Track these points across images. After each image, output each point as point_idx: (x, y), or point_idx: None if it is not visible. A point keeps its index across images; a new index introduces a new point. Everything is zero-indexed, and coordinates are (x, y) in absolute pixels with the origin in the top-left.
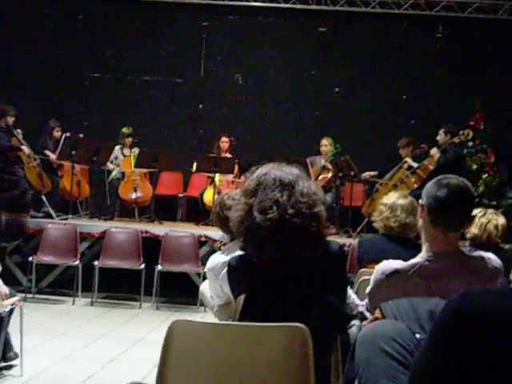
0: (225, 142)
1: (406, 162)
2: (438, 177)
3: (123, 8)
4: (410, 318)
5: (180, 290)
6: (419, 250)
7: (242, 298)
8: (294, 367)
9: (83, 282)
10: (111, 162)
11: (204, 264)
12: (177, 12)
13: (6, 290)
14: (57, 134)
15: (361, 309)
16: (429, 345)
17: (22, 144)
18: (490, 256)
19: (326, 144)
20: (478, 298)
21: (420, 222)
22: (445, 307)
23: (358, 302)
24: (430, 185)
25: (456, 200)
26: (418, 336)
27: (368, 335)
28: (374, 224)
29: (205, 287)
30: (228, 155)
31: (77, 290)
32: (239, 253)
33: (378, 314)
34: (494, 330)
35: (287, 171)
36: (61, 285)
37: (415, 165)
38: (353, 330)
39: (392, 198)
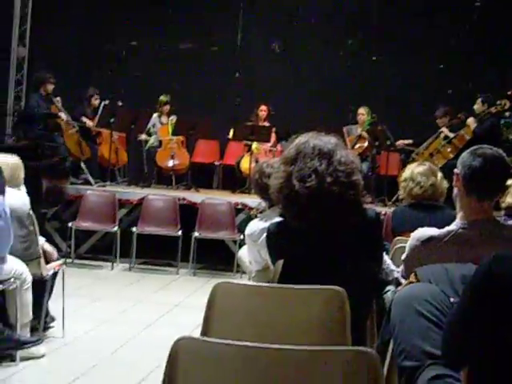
0: (263, 110)
1: (442, 131)
2: (474, 147)
3: None
4: (443, 282)
5: (216, 257)
6: (450, 216)
7: (280, 262)
8: (332, 328)
9: (121, 247)
10: (148, 130)
11: (240, 231)
12: None
13: (53, 250)
14: (95, 101)
15: (396, 275)
16: (461, 306)
17: (60, 111)
18: None
19: (362, 113)
20: (510, 262)
21: (455, 190)
22: (477, 270)
23: (393, 267)
24: (465, 154)
25: (490, 169)
26: (451, 299)
27: (403, 297)
28: (403, 201)
29: (243, 253)
30: (266, 124)
31: (115, 256)
32: (278, 219)
33: (412, 278)
34: None
35: (326, 140)
36: (99, 250)
37: (451, 135)
38: (388, 296)
39: (408, 170)
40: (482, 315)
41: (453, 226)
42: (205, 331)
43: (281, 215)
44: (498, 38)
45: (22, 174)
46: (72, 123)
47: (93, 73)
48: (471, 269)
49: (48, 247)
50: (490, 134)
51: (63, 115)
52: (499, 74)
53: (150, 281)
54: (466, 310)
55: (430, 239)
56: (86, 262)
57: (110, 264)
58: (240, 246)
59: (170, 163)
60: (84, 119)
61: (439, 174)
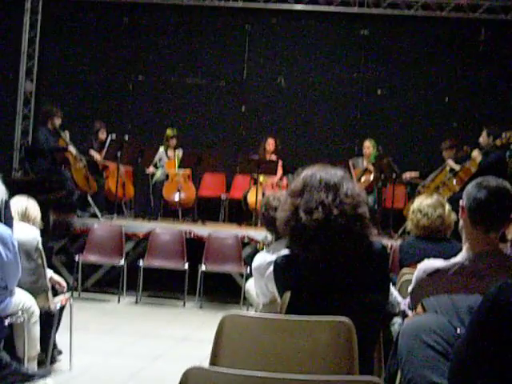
0: (271, 143)
1: (448, 164)
2: (478, 179)
3: (167, 12)
4: (450, 313)
5: (223, 290)
6: (457, 249)
7: (287, 294)
8: (340, 359)
9: (128, 281)
10: (155, 164)
11: (247, 264)
12: (220, 16)
13: (61, 279)
14: (102, 135)
15: (403, 307)
16: (468, 336)
17: (68, 145)
18: None
19: (368, 146)
20: None
21: (461, 222)
22: (483, 300)
23: (400, 299)
24: (470, 186)
25: (495, 201)
26: (458, 330)
27: (410, 328)
28: (410, 233)
29: (250, 286)
30: (273, 157)
31: (122, 289)
32: (285, 251)
33: (419, 309)
34: None
35: (332, 173)
36: (106, 284)
37: (457, 167)
38: (395, 328)
39: (416, 202)
40: (488, 345)
41: (459, 258)
42: (213, 361)
43: (288, 247)
44: (503, 70)
45: (35, 213)
46: (80, 157)
47: (100, 107)
48: (477, 300)
49: (56, 277)
50: (496, 166)
51: (72, 149)
52: (504, 106)
53: (156, 314)
54: (472, 340)
55: (437, 271)
56: (93, 295)
57: (116, 297)
58: (246, 280)
59: (177, 197)
60: (92, 153)
61: (447, 207)
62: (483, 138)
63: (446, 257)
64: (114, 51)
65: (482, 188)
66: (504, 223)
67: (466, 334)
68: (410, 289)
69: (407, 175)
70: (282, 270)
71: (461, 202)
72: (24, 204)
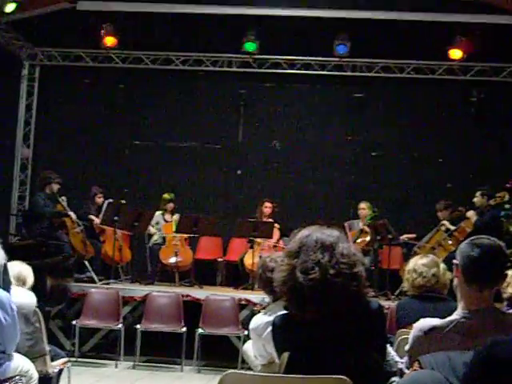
0: (268, 207)
1: (443, 224)
2: (471, 238)
3: (162, 76)
4: (446, 369)
5: (221, 354)
6: (453, 307)
7: (286, 355)
8: None
9: (125, 345)
10: (152, 227)
11: (244, 327)
12: (214, 80)
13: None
14: (99, 200)
15: (401, 366)
16: None
17: (66, 210)
18: None
19: (363, 207)
20: (506, 346)
21: (455, 281)
22: (475, 355)
23: (397, 359)
24: (463, 245)
25: (489, 258)
26: None
27: (408, 383)
28: (407, 293)
29: (248, 347)
30: (270, 220)
31: (119, 354)
32: (282, 312)
33: (416, 366)
34: None
35: (328, 233)
36: (103, 348)
37: (452, 228)
38: None
39: (411, 263)
40: None
41: (455, 316)
42: None
43: (285, 308)
44: (495, 131)
45: (30, 277)
46: (77, 222)
47: (96, 172)
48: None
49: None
50: (491, 226)
51: (72, 214)
52: (496, 166)
53: (154, 379)
54: None
55: (433, 329)
56: (90, 360)
57: (114, 362)
58: (244, 342)
59: (174, 260)
60: (92, 217)
61: (442, 266)
62: (477, 199)
63: (443, 315)
64: (109, 117)
65: (476, 246)
66: (498, 280)
67: None
68: (407, 347)
69: (404, 237)
70: (280, 331)
71: (454, 261)
72: (18, 268)
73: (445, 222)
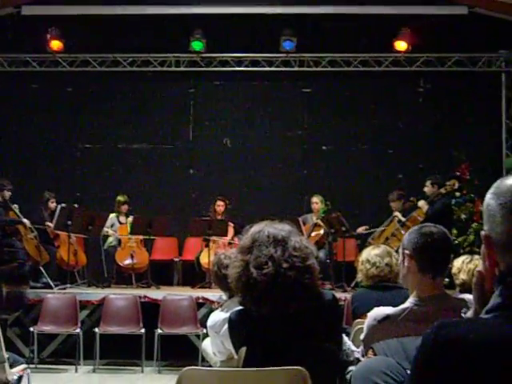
0: (220, 205)
1: (395, 216)
2: (417, 226)
3: (110, 79)
4: (399, 355)
5: (180, 353)
6: (407, 295)
7: (243, 349)
8: None
9: (85, 349)
10: (108, 229)
11: (203, 326)
12: (163, 80)
13: None
14: (52, 205)
15: (357, 355)
16: (412, 376)
17: (19, 217)
18: (471, 297)
19: (316, 201)
20: (453, 329)
21: (404, 270)
22: (423, 339)
23: (354, 348)
24: (412, 235)
25: (441, 246)
26: (408, 371)
27: (361, 371)
28: (361, 284)
29: (207, 344)
30: (223, 218)
31: (79, 358)
32: (238, 308)
33: (370, 353)
34: (470, 357)
35: (280, 228)
36: (63, 353)
37: (404, 219)
38: (350, 376)
39: (364, 254)
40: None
41: (407, 304)
42: None
43: (241, 304)
44: (443, 120)
45: None
46: (30, 228)
47: (48, 176)
48: None
49: None
50: (442, 214)
51: (26, 221)
52: (446, 155)
53: (115, 381)
54: (416, 380)
55: (386, 317)
56: (50, 366)
57: (73, 367)
58: (203, 340)
59: (130, 262)
60: (47, 223)
61: (394, 255)
62: (428, 188)
63: (397, 304)
64: (59, 121)
65: (426, 235)
66: (447, 267)
67: (409, 375)
68: (362, 336)
69: (358, 230)
70: (236, 326)
71: (404, 251)
72: None
73: (397, 214)
